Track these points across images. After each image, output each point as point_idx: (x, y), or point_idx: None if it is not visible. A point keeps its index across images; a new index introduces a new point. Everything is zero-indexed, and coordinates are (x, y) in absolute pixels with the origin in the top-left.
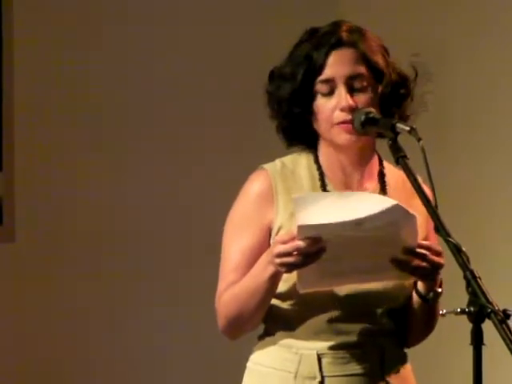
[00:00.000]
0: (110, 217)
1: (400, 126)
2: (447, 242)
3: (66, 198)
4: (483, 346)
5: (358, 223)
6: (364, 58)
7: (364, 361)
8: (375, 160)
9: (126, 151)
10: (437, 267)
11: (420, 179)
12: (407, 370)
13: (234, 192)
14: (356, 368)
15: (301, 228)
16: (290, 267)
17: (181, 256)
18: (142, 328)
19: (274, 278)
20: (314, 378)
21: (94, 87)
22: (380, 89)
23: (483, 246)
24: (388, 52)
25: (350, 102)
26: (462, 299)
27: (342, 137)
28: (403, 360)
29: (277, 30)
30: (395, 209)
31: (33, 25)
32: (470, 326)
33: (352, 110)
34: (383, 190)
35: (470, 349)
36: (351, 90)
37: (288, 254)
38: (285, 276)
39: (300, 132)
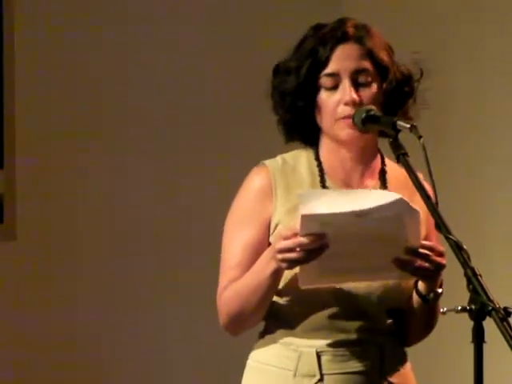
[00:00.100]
0: (110, 215)
1: (401, 123)
2: (448, 239)
3: (67, 196)
4: (484, 344)
5: (362, 214)
6: (369, 54)
7: (363, 359)
8: (377, 158)
9: (126, 151)
10: (439, 268)
11: (421, 176)
12: (407, 368)
13: (233, 192)
14: (355, 366)
15: (304, 217)
16: (292, 263)
17: (181, 256)
18: (143, 327)
19: (276, 275)
20: (314, 375)
21: (95, 86)
22: (384, 85)
23: (482, 245)
24: (392, 50)
25: (355, 96)
26: (462, 297)
27: (345, 132)
28: (403, 358)
29: (279, 31)
30: (399, 202)
31: (34, 24)
32: (470, 323)
33: (356, 104)
34: (384, 187)
35: (471, 347)
36: (356, 85)
37: (290, 249)
38: (285, 273)
39: (302, 126)
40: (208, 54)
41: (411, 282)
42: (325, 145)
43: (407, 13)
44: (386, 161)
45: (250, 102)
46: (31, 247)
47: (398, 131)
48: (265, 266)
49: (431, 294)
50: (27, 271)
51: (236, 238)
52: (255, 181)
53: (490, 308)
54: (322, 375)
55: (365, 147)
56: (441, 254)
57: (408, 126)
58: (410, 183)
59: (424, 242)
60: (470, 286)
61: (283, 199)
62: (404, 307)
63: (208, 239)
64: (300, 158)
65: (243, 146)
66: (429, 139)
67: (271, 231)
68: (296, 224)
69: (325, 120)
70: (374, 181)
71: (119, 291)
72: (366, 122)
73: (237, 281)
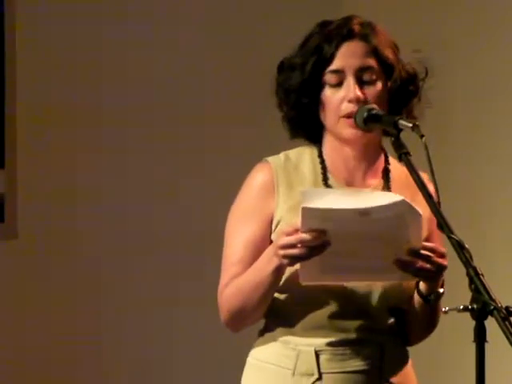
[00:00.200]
0: (111, 215)
1: (403, 122)
2: (450, 238)
3: (68, 195)
4: (486, 344)
5: (364, 213)
6: (374, 52)
7: (363, 358)
8: (381, 157)
9: (126, 151)
10: (440, 269)
11: (425, 177)
12: (408, 368)
13: (233, 192)
14: (354, 365)
15: (304, 210)
16: (293, 259)
17: (181, 256)
18: (143, 326)
19: (278, 272)
20: (312, 374)
21: (96, 86)
22: (389, 84)
23: (484, 245)
24: (398, 48)
25: (359, 93)
26: (464, 296)
27: (348, 130)
28: (404, 358)
29: (279, 31)
30: (401, 204)
31: (35, 23)
32: (472, 323)
33: (360, 101)
34: (387, 186)
35: (473, 346)
36: (360, 83)
37: (292, 245)
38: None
39: (306, 123)
40: (208, 54)
41: (412, 283)
42: (328, 142)
43: (407, 12)
44: (390, 160)
45: (250, 101)
46: (32, 246)
47: (399, 130)
48: (266, 263)
49: (432, 295)
50: (28, 270)
51: (238, 235)
52: (257, 177)
53: (492, 307)
54: (320, 374)
55: (368, 145)
56: (442, 256)
57: (410, 125)
58: (414, 182)
59: (425, 244)
60: (472, 286)
61: (285, 196)
62: (405, 306)
63: (208, 239)
64: (303, 156)
65: (243, 145)
66: (431, 138)
67: (273, 228)
68: (298, 221)
69: (328, 117)
70: (377, 180)
71: (120, 290)
72: (367, 121)
73: (238, 277)
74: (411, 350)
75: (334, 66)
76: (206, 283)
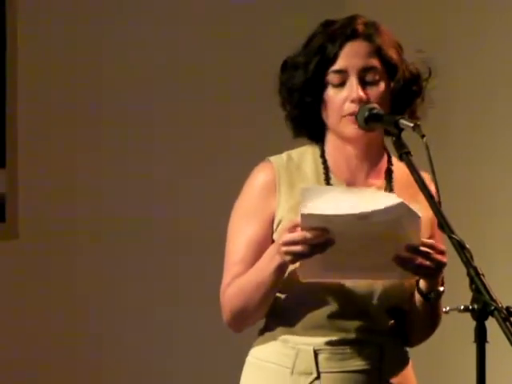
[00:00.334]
0: (111, 214)
1: (404, 122)
2: (451, 238)
3: (69, 195)
4: (486, 344)
5: (362, 217)
6: (378, 52)
7: (362, 358)
8: (384, 157)
9: (126, 151)
10: (440, 266)
11: (427, 177)
12: (408, 368)
13: (235, 191)
14: (353, 365)
15: (304, 217)
16: (295, 256)
17: (181, 255)
18: (143, 326)
19: (280, 271)
20: (310, 373)
21: (97, 86)
22: (392, 84)
23: (485, 245)
24: (402, 48)
25: (361, 93)
26: (465, 296)
27: (350, 128)
28: (404, 359)
29: (279, 31)
30: (399, 207)
31: (37, 23)
32: (473, 323)
33: (362, 102)
34: (389, 186)
35: (473, 346)
36: (363, 83)
37: (295, 242)
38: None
39: (309, 122)
40: (208, 54)
41: (412, 281)
42: (330, 141)
43: (410, 12)
44: (393, 160)
45: (251, 101)
46: (33, 246)
47: (400, 130)
48: (268, 261)
49: (433, 293)
50: (29, 270)
51: (240, 234)
52: (259, 177)
53: (493, 307)
54: (318, 373)
55: (370, 145)
56: (442, 252)
57: (411, 124)
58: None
59: (425, 240)
60: (473, 286)
61: (287, 196)
62: (405, 307)
63: (209, 239)
64: (305, 155)
65: (243, 145)
66: (432, 138)
67: (274, 228)
68: (298, 220)
69: (331, 117)
70: (379, 180)
71: (120, 290)
72: (368, 121)
73: (240, 277)
74: (411, 350)
75: (337, 65)
76: (206, 283)
